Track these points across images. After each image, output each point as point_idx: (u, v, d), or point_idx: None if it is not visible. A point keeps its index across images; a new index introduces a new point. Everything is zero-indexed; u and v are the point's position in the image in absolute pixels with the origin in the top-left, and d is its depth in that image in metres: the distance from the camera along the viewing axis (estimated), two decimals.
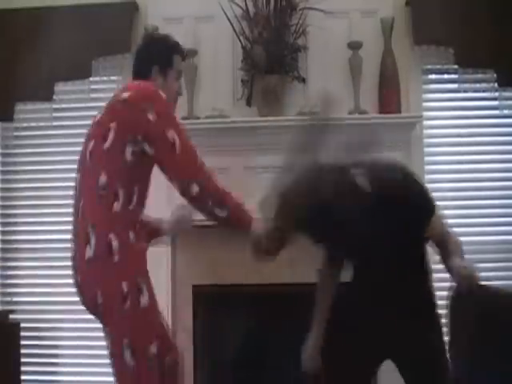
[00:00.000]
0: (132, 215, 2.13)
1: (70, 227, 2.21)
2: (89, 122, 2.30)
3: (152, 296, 2.12)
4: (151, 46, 2.46)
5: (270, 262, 2.32)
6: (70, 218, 2.22)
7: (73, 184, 2.24)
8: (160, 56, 2.38)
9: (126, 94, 2.20)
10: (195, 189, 2.12)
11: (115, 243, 2.06)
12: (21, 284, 3.78)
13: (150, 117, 2.13)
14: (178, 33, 3.49)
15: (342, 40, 3.47)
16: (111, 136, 2.13)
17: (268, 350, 3.57)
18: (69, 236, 2.22)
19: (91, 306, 2.12)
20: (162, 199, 3.39)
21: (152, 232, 2.45)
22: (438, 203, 2.16)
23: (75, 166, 2.26)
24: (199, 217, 2.34)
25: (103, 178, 2.11)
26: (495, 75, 3.50)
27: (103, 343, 2.20)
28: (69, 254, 2.20)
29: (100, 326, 2.19)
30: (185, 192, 2.15)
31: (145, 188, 2.23)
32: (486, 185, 3.62)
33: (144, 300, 2.08)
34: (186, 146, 2.16)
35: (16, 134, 3.78)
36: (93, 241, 2.06)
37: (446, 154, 3.64)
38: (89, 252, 2.07)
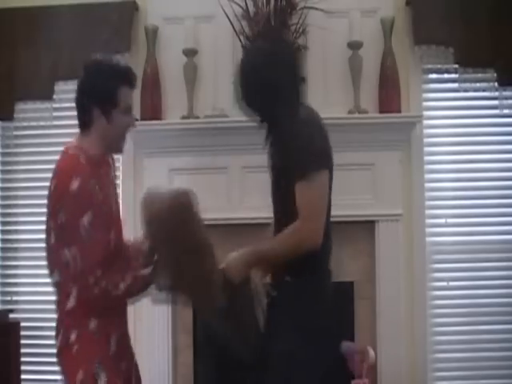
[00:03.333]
0: (90, 303, 2.01)
1: None
2: None
3: (112, 379, 2.01)
4: (86, 84, 2.08)
5: None
6: None
7: None
8: (99, 96, 2.03)
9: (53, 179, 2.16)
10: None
11: (73, 336, 2.01)
12: (21, 283, 3.78)
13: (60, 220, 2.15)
14: (178, 33, 3.55)
15: (342, 40, 3.47)
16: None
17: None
18: None
19: None
20: None
21: (139, 255, 2.25)
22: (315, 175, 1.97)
23: None
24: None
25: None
26: (495, 74, 3.50)
27: None
28: None
29: None
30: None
31: None
32: (486, 184, 3.62)
33: None
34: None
35: (16, 133, 3.77)
36: (59, 336, 2.06)
37: (446, 154, 3.64)
38: (56, 343, 2.07)
